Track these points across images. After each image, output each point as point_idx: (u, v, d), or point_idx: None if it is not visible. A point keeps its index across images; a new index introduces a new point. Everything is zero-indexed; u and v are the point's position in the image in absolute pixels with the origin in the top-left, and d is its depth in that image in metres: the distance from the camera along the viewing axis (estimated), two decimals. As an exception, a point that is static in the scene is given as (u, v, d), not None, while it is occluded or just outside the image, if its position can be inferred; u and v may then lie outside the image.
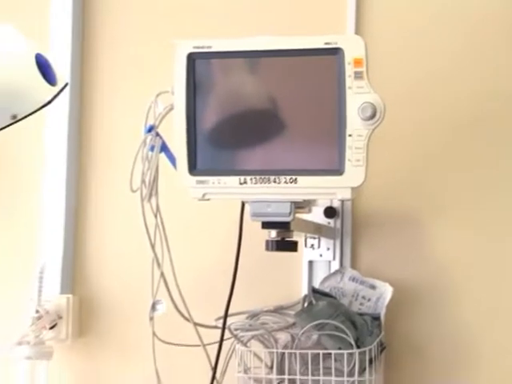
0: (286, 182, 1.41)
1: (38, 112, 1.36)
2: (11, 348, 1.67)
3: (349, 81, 1.37)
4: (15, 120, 1.33)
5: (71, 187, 1.78)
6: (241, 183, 1.42)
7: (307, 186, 1.40)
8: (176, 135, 1.43)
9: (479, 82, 1.61)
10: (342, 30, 1.66)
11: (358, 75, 1.37)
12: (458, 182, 1.62)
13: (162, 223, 1.53)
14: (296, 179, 1.40)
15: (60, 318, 1.72)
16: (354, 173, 1.38)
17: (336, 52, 1.37)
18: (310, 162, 1.41)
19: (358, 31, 1.64)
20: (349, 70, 1.37)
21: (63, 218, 1.77)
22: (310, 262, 1.65)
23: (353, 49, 1.37)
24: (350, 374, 1.48)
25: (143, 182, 1.51)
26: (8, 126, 1.34)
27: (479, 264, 1.60)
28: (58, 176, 1.78)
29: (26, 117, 1.34)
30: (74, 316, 1.74)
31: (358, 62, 1.37)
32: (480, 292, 1.60)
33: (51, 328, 1.70)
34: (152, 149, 1.51)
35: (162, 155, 1.51)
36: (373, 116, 1.37)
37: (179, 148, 1.43)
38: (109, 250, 1.76)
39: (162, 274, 1.53)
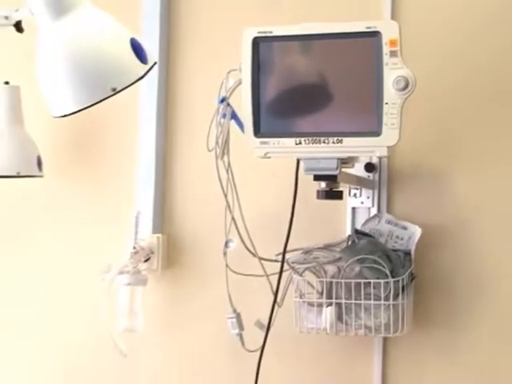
0: (333, 143, 1.51)
1: (133, 85, 1.42)
2: (115, 276, 1.79)
3: (385, 58, 1.48)
4: (115, 92, 1.39)
5: (160, 148, 1.89)
6: (296, 144, 1.53)
7: (351, 146, 1.51)
8: (243, 105, 1.55)
9: (507, 56, 1.68)
10: (379, 15, 1.73)
11: (393, 53, 1.47)
12: (481, 137, 1.68)
13: (233, 176, 1.63)
14: (342, 140, 1.51)
15: (152, 253, 1.84)
16: (389, 134, 1.48)
17: (375, 34, 1.48)
18: (353, 125, 1.52)
19: (393, 16, 1.72)
20: (385, 49, 1.47)
21: (154, 173, 1.88)
22: (353, 209, 1.75)
23: (389, 31, 1.48)
24: (386, 298, 1.59)
25: (217, 143, 1.61)
26: (109, 97, 1.40)
27: (498, 209, 1.67)
28: (149, 139, 1.89)
29: (123, 89, 1.40)
30: (163, 251, 1.86)
31: (393, 43, 1.47)
32: (498, 231, 1.67)
33: (145, 261, 1.83)
34: (224, 116, 1.61)
35: (232, 121, 1.61)
36: (405, 87, 1.48)
37: (246, 115, 1.55)
38: (190, 198, 1.88)
39: (233, 218, 1.64)
